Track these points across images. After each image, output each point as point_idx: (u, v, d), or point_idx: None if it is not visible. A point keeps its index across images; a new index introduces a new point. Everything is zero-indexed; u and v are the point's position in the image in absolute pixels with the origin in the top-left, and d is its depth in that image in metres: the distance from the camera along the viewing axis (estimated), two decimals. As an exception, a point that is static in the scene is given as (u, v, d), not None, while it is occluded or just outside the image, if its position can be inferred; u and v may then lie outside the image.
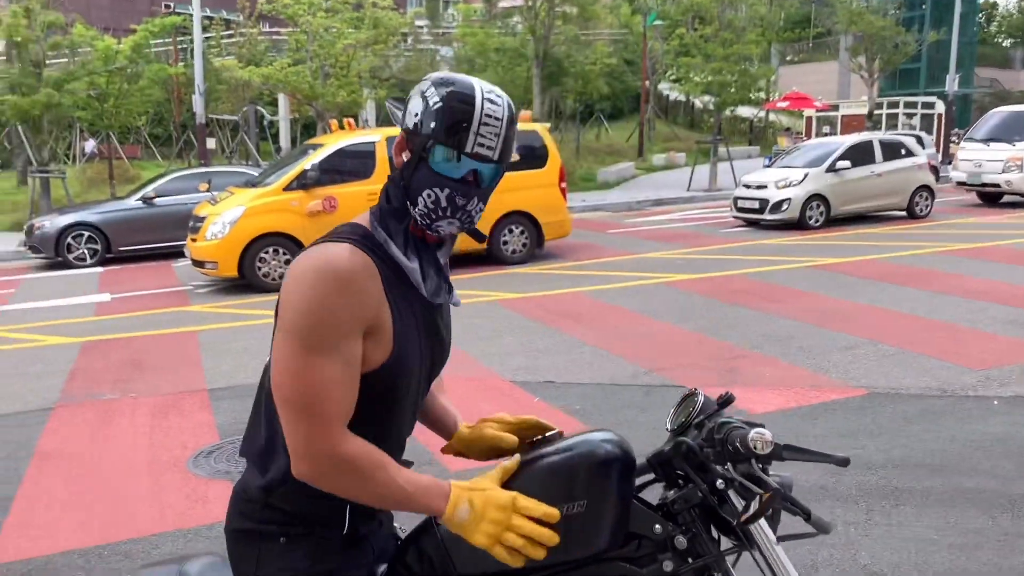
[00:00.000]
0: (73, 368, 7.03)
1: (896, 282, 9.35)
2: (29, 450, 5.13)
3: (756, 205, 14.73)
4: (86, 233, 13.45)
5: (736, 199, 15.32)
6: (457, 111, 1.48)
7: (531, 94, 22.95)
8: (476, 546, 1.51)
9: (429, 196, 1.52)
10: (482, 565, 1.58)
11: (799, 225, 14.38)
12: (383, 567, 1.70)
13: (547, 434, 1.69)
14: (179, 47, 27.01)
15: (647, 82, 30.06)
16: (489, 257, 11.72)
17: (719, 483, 1.57)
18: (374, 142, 10.92)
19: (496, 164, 1.54)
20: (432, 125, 1.49)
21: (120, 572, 3.62)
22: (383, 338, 1.51)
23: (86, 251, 13.45)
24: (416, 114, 1.52)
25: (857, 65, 29.64)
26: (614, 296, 9.19)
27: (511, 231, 11.70)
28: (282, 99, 24.07)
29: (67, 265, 13.31)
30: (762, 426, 1.55)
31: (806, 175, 14.56)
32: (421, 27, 31.71)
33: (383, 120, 27.74)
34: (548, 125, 12.99)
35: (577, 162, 26.08)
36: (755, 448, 1.49)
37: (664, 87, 36.47)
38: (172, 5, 34.17)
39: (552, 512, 1.52)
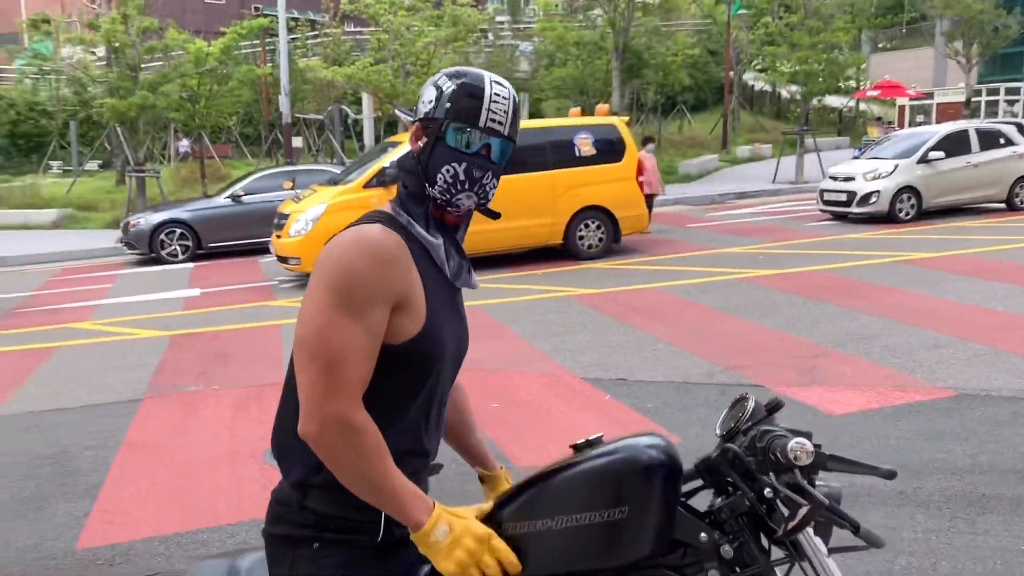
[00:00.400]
0: (161, 361, 7.31)
1: (990, 278, 8.93)
2: (118, 439, 5.36)
3: (843, 198, 14.27)
4: (178, 230, 13.97)
5: (822, 191, 14.88)
6: (470, 90, 1.62)
7: (610, 87, 22.76)
8: (440, 571, 1.53)
9: (448, 171, 1.62)
10: (527, 570, 1.56)
11: (888, 218, 13.87)
12: (426, 568, 1.70)
13: (589, 438, 1.66)
14: (267, 48, 27.75)
15: (731, 72, 29.45)
16: (564, 252, 11.68)
17: (767, 492, 1.52)
18: (451, 139, 11.01)
19: (505, 139, 1.65)
20: (447, 107, 1.62)
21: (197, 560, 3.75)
22: (415, 310, 1.58)
23: (178, 247, 13.97)
24: (430, 101, 1.65)
25: (954, 51, 28.38)
26: (691, 292, 9.04)
27: (587, 226, 11.62)
28: (366, 98, 24.47)
29: (160, 261, 13.85)
30: (807, 435, 1.49)
31: (896, 166, 14.03)
32: (502, 23, 31.79)
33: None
34: (626, 118, 12.84)
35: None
36: (795, 459, 1.44)
37: (749, 77, 35.66)
38: (260, 7, 35.16)
39: (516, 564, 1.55)
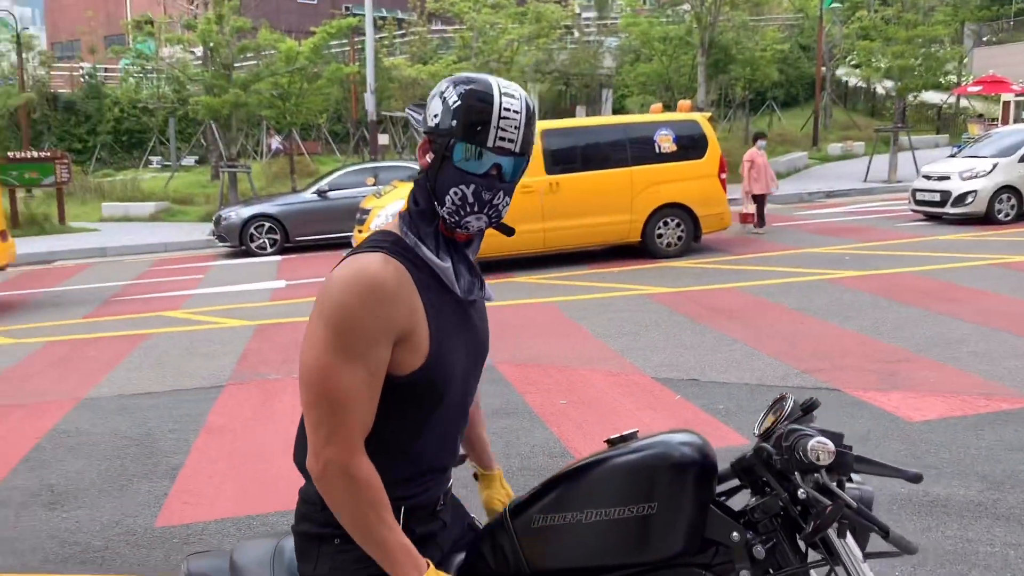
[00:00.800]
0: (245, 349, 7.56)
1: (1095, 283, 8.46)
2: (199, 424, 5.58)
3: (937, 197, 13.71)
4: (267, 224, 14.42)
5: (915, 191, 14.32)
6: (476, 107, 1.51)
7: (696, 83, 22.42)
8: None
9: (456, 194, 1.55)
10: (552, 561, 1.57)
11: (986, 219, 13.26)
12: (460, 556, 1.73)
13: (623, 433, 1.65)
14: (355, 47, 28.33)
15: (823, 68, 28.62)
16: (642, 251, 11.57)
17: (800, 493, 1.49)
18: (530, 135, 11.04)
19: (518, 157, 1.56)
20: (453, 123, 1.52)
21: (265, 542, 3.88)
22: (418, 342, 1.55)
23: (266, 240, 14.42)
24: (436, 115, 1.55)
25: (1065, 43, 26.86)
26: (772, 292, 8.84)
27: (666, 223, 11.48)
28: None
29: (249, 253, 14.32)
30: (837, 436, 1.45)
31: (995, 165, 13.39)
32: (587, 19, 31.67)
33: (546, 113, 27.97)
34: (708, 114, 12.63)
35: (745, 152, 25.22)
36: (817, 459, 1.40)
37: (842, 73, 34.58)
38: (350, 7, 35.89)
39: None
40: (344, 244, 14.29)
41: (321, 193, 14.75)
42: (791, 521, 1.54)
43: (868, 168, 21.10)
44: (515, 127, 1.53)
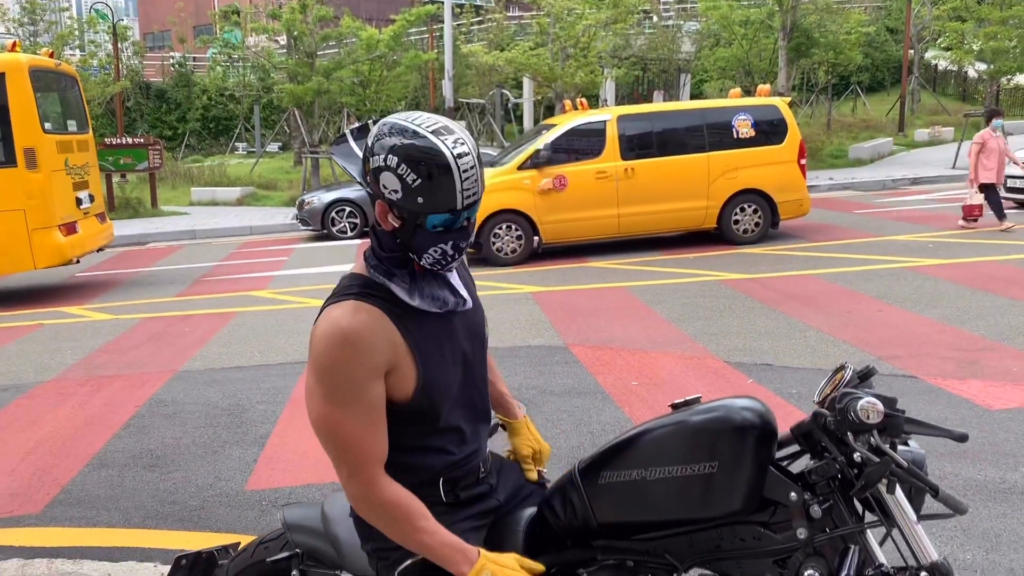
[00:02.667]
0: (326, 328, 7.84)
1: None
2: (285, 396, 5.86)
3: (1029, 184, 13.20)
4: (347, 208, 14.80)
5: (1007, 177, 13.81)
6: (439, 183, 1.54)
7: (776, 67, 21.99)
8: None
9: (436, 251, 1.64)
10: (619, 515, 1.69)
11: (1083, 207, 12.72)
12: (530, 510, 1.86)
13: (688, 398, 1.76)
14: (433, 34, 28.66)
15: (911, 51, 27.69)
16: (719, 237, 11.50)
17: (856, 456, 1.57)
18: (605, 121, 11.07)
19: (478, 198, 1.62)
20: (420, 201, 1.56)
21: (348, 507, 4.09)
22: (405, 373, 1.68)
23: (347, 224, 14.80)
24: (396, 191, 1.57)
25: None
26: (850, 279, 8.71)
27: (743, 210, 11.38)
28: (526, 82, 24.84)
29: (331, 237, 14.73)
30: (891, 400, 1.53)
31: (1094, 150, 12.81)
32: (666, 3, 31.30)
33: (623, 98, 27.81)
34: (788, 99, 12.41)
35: (828, 138, 24.66)
36: (867, 418, 1.48)
37: (931, 56, 33.37)
38: (429, -6, 36.20)
39: None
40: (421, 228, 14.55)
41: (399, 178, 15.02)
42: (847, 483, 1.62)
43: (956, 154, 20.39)
44: (475, 180, 1.58)
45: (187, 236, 16.03)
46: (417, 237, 1.62)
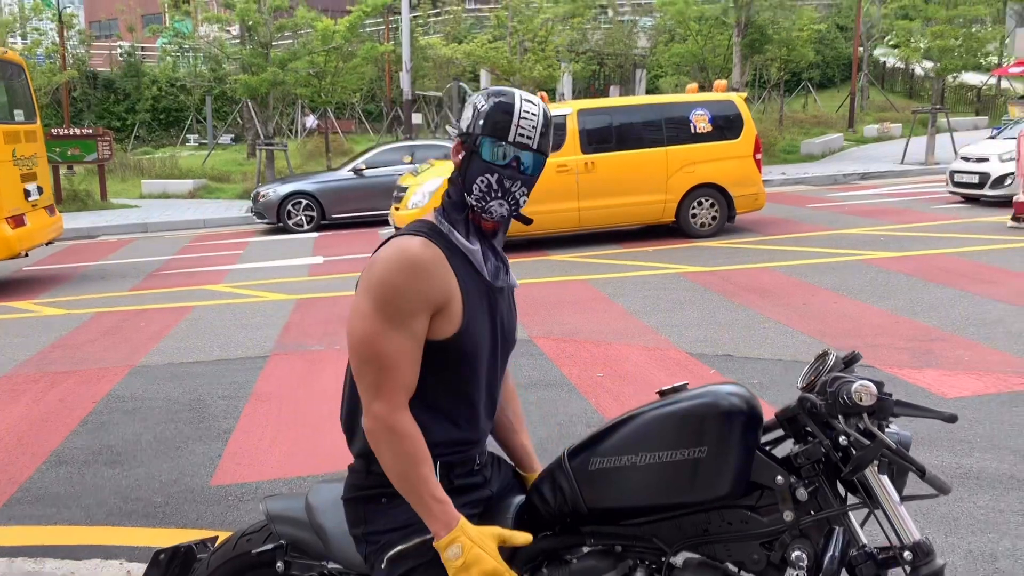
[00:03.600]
0: (287, 322, 7.77)
1: None
2: (247, 391, 5.79)
3: (975, 180, 13.58)
4: (304, 201, 14.63)
5: (953, 173, 14.19)
6: (499, 109, 1.77)
7: (731, 63, 22.27)
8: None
9: (482, 182, 1.78)
10: (608, 501, 1.70)
11: (1025, 202, 13.09)
12: (519, 498, 1.87)
13: (675, 385, 1.80)
14: (390, 26, 28.45)
15: (860, 48, 28.23)
16: (677, 230, 11.63)
17: (842, 439, 1.60)
18: (565, 115, 11.10)
19: (535, 153, 1.79)
20: (481, 124, 1.79)
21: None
22: (452, 314, 1.76)
23: (303, 218, 14.64)
24: (468, 119, 1.82)
25: (1111, 23, 26.26)
26: (805, 272, 8.88)
27: (700, 203, 11.51)
28: (484, 75, 24.80)
29: (287, 230, 14.56)
30: (877, 383, 1.56)
31: (1036, 147, 13.19)
32: (622, -1, 31.46)
33: (579, 93, 27.90)
34: (744, 94, 12.59)
35: (780, 133, 25.04)
36: (860, 400, 1.52)
37: (880, 53, 34.10)
38: (385, -14, 35.87)
39: None
40: (380, 222, 14.49)
41: (357, 171, 14.92)
42: (832, 467, 1.66)
43: (905, 150, 20.88)
44: (532, 126, 1.77)
45: (138, 229, 15.72)
46: (472, 165, 1.79)
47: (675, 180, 11.34)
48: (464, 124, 1.83)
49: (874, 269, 8.90)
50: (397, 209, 11.44)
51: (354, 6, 19.81)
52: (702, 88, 12.79)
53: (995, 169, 13.27)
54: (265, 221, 14.88)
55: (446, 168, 11.23)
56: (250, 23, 18.31)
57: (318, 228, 14.69)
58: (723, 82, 12.27)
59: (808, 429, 1.69)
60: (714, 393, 1.70)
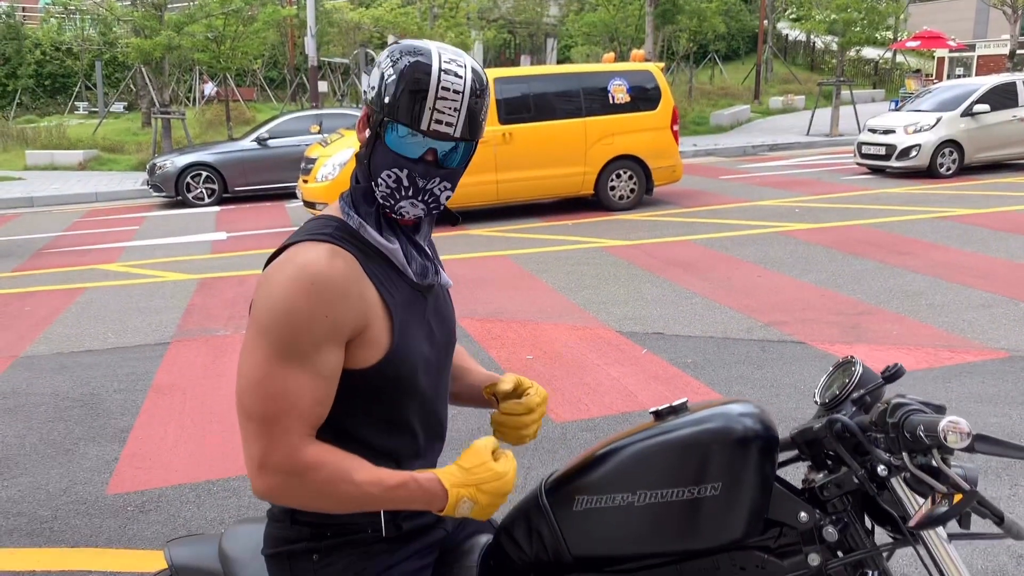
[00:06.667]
0: (189, 304, 7.23)
1: (1040, 236, 8.62)
2: (147, 383, 5.29)
3: (882, 151, 13.86)
4: (204, 173, 13.85)
5: (860, 144, 14.46)
6: (410, 83, 1.33)
7: (643, 33, 22.20)
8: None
9: (389, 176, 1.38)
10: (601, 548, 1.41)
11: (929, 173, 13.46)
12: (484, 538, 1.57)
13: (673, 404, 1.48)
14: (292, -11, 27.30)
15: (765, 21, 28.63)
16: (595, 203, 11.44)
17: (880, 469, 1.34)
18: (482, 83, 10.72)
19: (459, 141, 1.38)
20: (386, 100, 1.35)
21: (228, 508, 3.67)
22: (375, 336, 1.38)
23: (204, 191, 13.86)
24: (372, 87, 1.38)
25: (999, 0, 27.37)
26: (727, 245, 8.80)
27: (619, 176, 11.34)
28: (392, 41, 24.08)
29: (186, 204, 13.76)
30: (942, 408, 1.31)
31: (939, 119, 13.57)
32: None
33: (490, 62, 27.45)
34: (662, 65, 12.45)
35: (689, 105, 25.21)
36: (946, 439, 1.23)
37: (784, 26, 34.73)
38: (286, -53, 34.45)
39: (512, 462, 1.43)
40: (286, 195, 13.84)
41: (261, 141, 14.20)
42: (862, 499, 1.41)
43: (811, 121, 21.29)
44: (454, 109, 1.34)
45: (23, 204, 14.61)
46: (376, 152, 1.39)
47: (594, 152, 11.13)
48: (369, 92, 1.39)
49: (793, 241, 8.89)
50: (305, 182, 10.88)
51: (254, -33, 18.82)
52: (619, 58, 12.56)
53: (901, 141, 13.56)
54: (162, 195, 14.03)
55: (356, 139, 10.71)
56: (141, -17, 17.19)
57: (220, 202, 13.94)
58: (641, 52, 12.11)
59: (831, 454, 1.43)
60: (724, 416, 1.40)
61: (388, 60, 1.36)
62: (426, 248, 1.51)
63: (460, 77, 1.34)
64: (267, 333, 1.32)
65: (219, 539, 1.68)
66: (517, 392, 1.65)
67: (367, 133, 1.41)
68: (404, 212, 1.41)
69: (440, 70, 1.33)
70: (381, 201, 1.41)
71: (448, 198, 1.43)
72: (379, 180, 1.39)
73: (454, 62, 1.35)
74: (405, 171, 1.37)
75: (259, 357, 1.32)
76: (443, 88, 1.32)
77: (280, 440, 1.32)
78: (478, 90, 1.36)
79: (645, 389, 4.87)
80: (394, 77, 1.34)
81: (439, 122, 1.33)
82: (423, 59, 1.33)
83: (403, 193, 1.38)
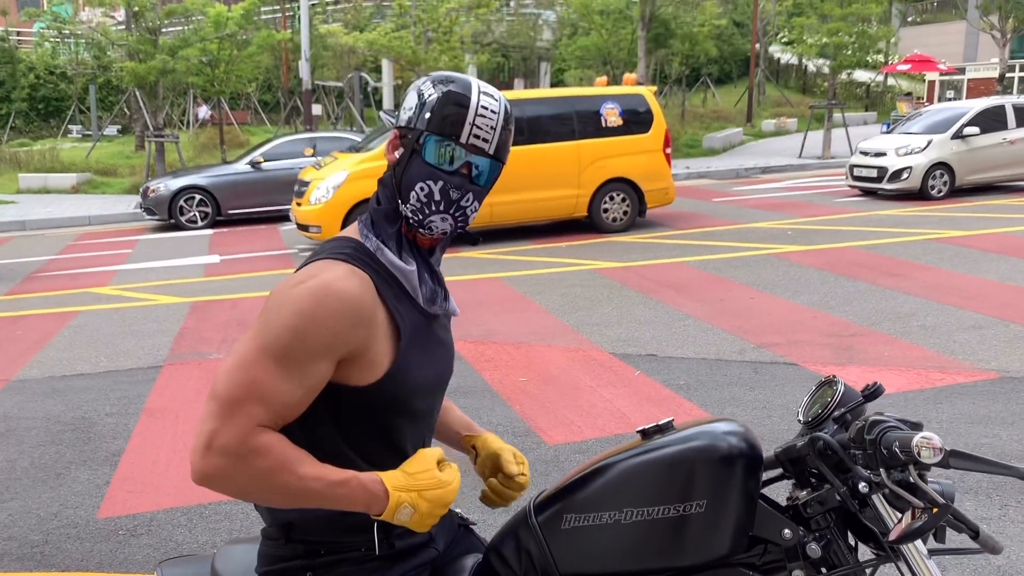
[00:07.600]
0: (182, 327, 7.22)
1: (1030, 257, 8.68)
2: (139, 406, 5.28)
3: (874, 173, 13.96)
4: (197, 196, 13.86)
5: (852, 167, 14.56)
6: (452, 101, 1.44)
7: (635, 57, 22.39)
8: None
9: (422, 189, 1.45)
10: (589, 565, 1.42)
11: (920, 195, 13.56)
12: (472, 559, 1.58)
13: (659, 423, 1.51)
14: (287, 14, 27.49)
15: (757, 45, 28.91)
16: (589, 225, 11.49)
17: (862, 486, 1.36)
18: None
19: (492, 159, 1.46)
20: (427, 117, 1.45)
21: (219, 532, 3.66)
22: (374, 357, 1.41)
23: (197, 214, 13.87)
24: (410, 108, 1.48)
25: (988, 24, 27.70)
26: (719, 267, 8.84)
27: (612, 198, 11.40)
28: (386, 65, 24.20)
29: (180, 227, 13.77)
30: (918, 425, 1.33)
31: (929, 142, 13.68)
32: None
33: (485, 85, 27.61)
34: (654, 88, 12.56)
35: (682, 128, 25.37)
36: (919, 455, 1.26)
37: (775, 50, 35.07)
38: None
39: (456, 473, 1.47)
40: (280, 218, 13.87)
41: (255, 164, 14.24)
42: (845, 516, 1.42)
43: (803, 144, 21.43)
44: (491, 127, 1.45)
45: (15, 227, 14.60)
46: (411, 167, 1.45)
47: (587, 174, 11.19)
48: (405, 114, 1.47)
49: (785, 263, 8.94)
50: (299, 205, 10.90)
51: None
52: (610, 81, 12.67)
53: (893, 163, 13.66)
54: (156, 218, 14.03)
55: (350, 161, 10.76)
56: (136, 8, 17.27)
57: (213, 225, 13.96)
58: (632, 76, 12.22)
59: (815, 472, 1.44)
60: (709, 434, 1.42)
61: (429, 83, 1.47)
62: (438, 273, 1.56)
63: (496, 101, 1.47)
64: (268, 331, 1.35)
65: (212, 559, 1.68)
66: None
67: (398, 153, 1.48)
68: (433, 227, 1.47)
69: (479, 93, 1.45)
70: (410, 216, 1.46)
71: (474, 216, 1.49)
72: (410, 195, 1.45)
73: (489, 91, 1.48)
74: (440, 183, 1.43)
75: (251, 347, 1.35)
76: (482, 107, 1.44)
77: (236, 422, 1.32)
78: (508, 115, 1.47)
79: (638, 411, 4.87)
80: (436, 95, 1.44)
81: (477, 136, 1.43)
82: (463, 82, 1.46)
83: (434, 208, 1.44)
